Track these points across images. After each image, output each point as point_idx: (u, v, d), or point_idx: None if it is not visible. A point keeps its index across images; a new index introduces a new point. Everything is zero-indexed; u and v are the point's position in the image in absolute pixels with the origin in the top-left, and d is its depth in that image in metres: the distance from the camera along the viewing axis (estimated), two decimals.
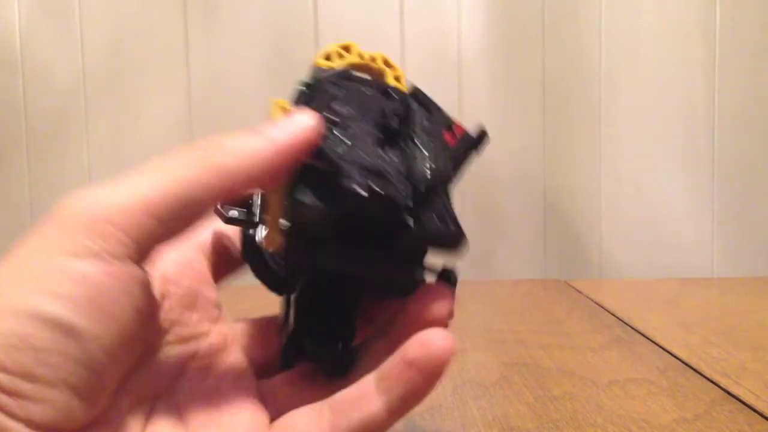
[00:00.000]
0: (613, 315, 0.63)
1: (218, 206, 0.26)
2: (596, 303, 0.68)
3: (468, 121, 0.29)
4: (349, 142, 0.24)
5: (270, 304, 0.31)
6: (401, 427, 0.38)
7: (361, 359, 0.26)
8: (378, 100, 0.26)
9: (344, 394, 0.23)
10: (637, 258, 0.87)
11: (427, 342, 0.23)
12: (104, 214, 0.21)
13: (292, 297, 0.27)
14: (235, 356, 0.27)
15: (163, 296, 0.26)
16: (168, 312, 0.26)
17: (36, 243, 0.21)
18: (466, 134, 0.28)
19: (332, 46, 0.29)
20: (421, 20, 0.85)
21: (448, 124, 0.28)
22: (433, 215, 0.24)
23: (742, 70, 0.86)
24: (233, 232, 0.30)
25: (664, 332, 0.56)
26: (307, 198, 0.23)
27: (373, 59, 0.29)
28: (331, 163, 0.23)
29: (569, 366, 0.48)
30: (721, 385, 0.43)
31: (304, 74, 0.28)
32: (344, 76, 0.27)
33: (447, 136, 0.27)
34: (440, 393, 0.43)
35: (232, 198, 0.25)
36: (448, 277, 0.28)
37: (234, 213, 0.26)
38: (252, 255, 0.28)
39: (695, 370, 0.46)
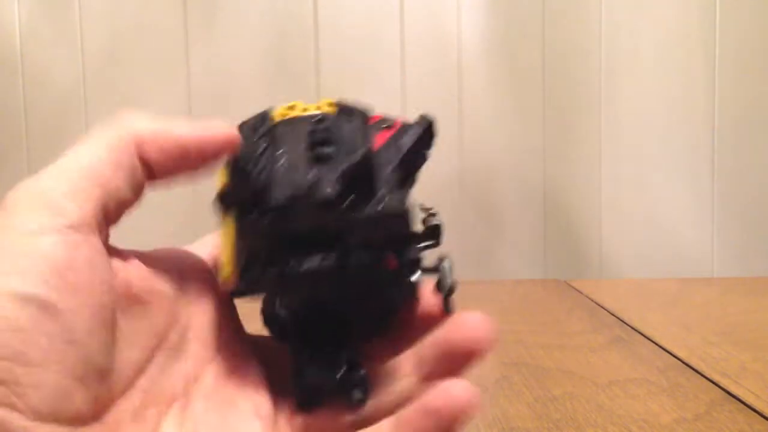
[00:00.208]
0: (613, 315, 0.63)
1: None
2: (596, 303, 0.68)
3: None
4: (273, 169, 0.24)
5: None
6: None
7: (383, 383, 0.25)
8: (306, 127, 0.27)
9: None
10: (637, 258, 0.87)
11: (449, 392, 0.22)
12: (48, 190, 0.21)
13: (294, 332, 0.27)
14: (254, 369, 0.27)
15: (175, 294, 0.25)
16: (183, 310, 0.25)
17: None
18: (404, 123, 0.28)
19: (276, 110, 0.30)
20: (421, 20, 0.85)
21: (385, 125, 0.28)
22: (367, 202, 0.24)
23: (742, 70, 0.86)
24: None
25: (664, 332, 0.56)
26: (246, 229, 0.24)
27: (319, 108, 0.30)
28: (252, 186, 0.24)
29: (569, 366, 0.48)
30: (721, 385, 0.43)
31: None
32: (262, 119, 0.27)
33: (380, 134, 0.27)
34: None
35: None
36: (441, 286, 0.27)
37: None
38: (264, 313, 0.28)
39: (695, 370, 0.46)
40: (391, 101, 0.85)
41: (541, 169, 0.86)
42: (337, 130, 0.26)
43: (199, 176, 0.25)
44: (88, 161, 0.22)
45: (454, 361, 0.24)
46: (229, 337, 0.27)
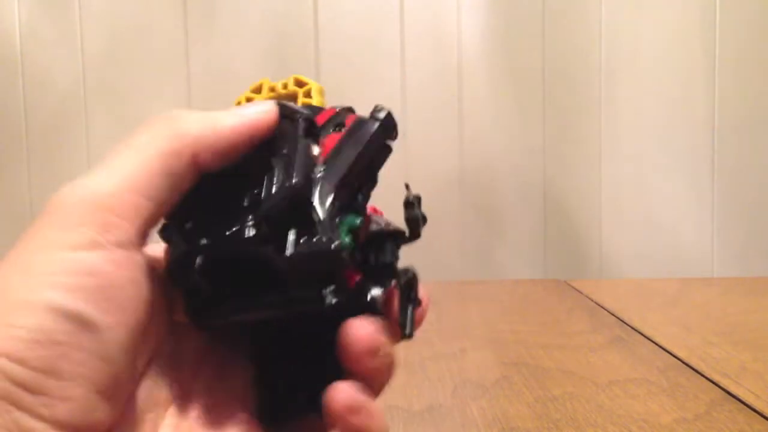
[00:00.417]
0: (613, 315, 0.63)
1: None
2: (596, 303, 0.68)
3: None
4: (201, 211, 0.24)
5: None
6: (402, 427, 0.38)
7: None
8: None
9: None
10: (637, 258, 0.87)
11: (328, 396, 0.23)
12: (100, 202, 0.21)
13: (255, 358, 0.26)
14: (242, 370, 0.27)
15: (172, 301, 0.25)
16: (178, 317, 0.25)
17: (38, 238, 0.21)
18: (357, 120, 0.26)
19: (242, 94, 0.29)
20: (421, 20, 0.85)
21: (335, 125, 0.26)
22: (297, 237, 0.23)
23: (742, 70, 0.86)
24: None
25: (664, 332, 0.56)
26: (180, 264, 0.23)
27: (285, 86, 0.29)
28: (177, 231, 0.23)
29: (569, 366, 0.48)
30: (721, 385, 0.43)
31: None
32: None
33: (329, 138, 0.25)
34: (440, 393, 0.43)
35: None
36: (400, 293, 0.25)
37: None
38: None
39: (695, 370, 0.46)
40: (391, 101, 0.85)
41: (541, 169, 0.86)
42: (282, 140, 0.25)
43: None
44: (140, 171, 0.21)
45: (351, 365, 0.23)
46: (221, 339, 0.27)
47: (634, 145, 0.86)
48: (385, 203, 0.27)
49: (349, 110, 0.26)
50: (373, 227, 0.25)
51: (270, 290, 0.23)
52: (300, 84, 0.29)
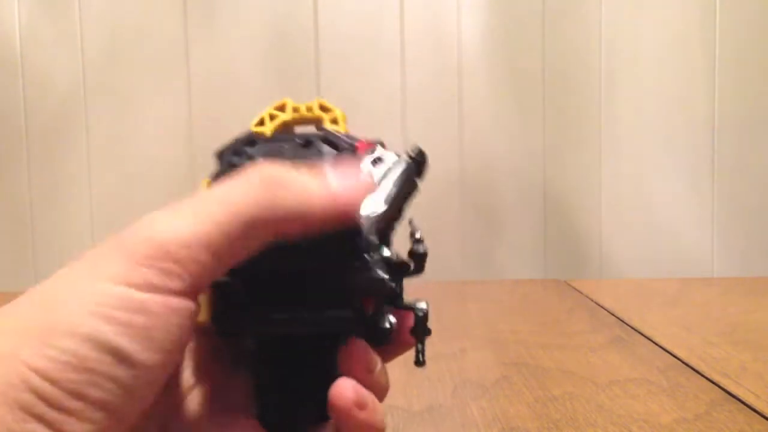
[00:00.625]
0: (613, 315, 0.63)
1: None
2: (596, 303, 0.68)
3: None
4: None
5: None
6: (402, 427, 0.38)
7: None
8: (292, 153, 0.26)
9: None
10: (637, 258, 0.87)
11: (334, 393, 0.23)
12: (166, 247, 0.21)
13: (257, 368, 0.27)
14: (242, 380, 0.27)
15: None
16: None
17: (98, 266, 0.21)
18: (394, 159, 0.28)
19: (265, 110, 0.30)
20: (421, 20, 0.85)
21: (374, 158, 0.27)
22: (349, 261, 0.24)
23: (742, 70, 0.86)
24: None
25: (664, 332, 0.56)
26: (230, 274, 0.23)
27: (309, 109, 0.30)
28: None
29: (569, 366, 0.48)
30: (721, 385, 0.43)
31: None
32: (247, 141, 0.27)
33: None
34: (440, 393, 0.43)
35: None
36: (418, 331, 0.27)
37: None
38: None
39: (695, 370, 0.46)
40: (391, 102, 0.85)
41: (541, 169, 0.86)
42: (322, 163, 0.26)
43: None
44: (219, 230, 0.21)
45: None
46: (221, 345, 0.27)
47: (634, 146, 0.86)
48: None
49: (381, 144, 0.28)
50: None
51: (304, 307, 0.24)
52: (325, 109, 0.30)
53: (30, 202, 0.84)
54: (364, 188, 0.24)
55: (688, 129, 0.86)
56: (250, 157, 0.26)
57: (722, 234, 0.87)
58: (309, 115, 0.30)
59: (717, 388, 0.43)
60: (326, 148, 0.27)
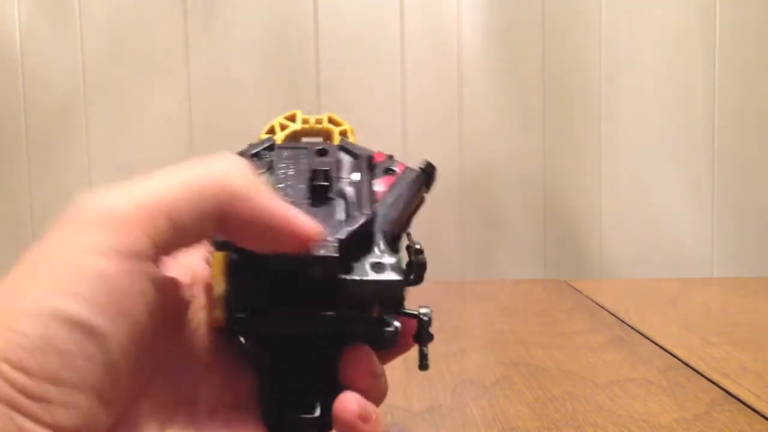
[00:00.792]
0: (613, 315, 0.63)
1: None
2: (596, 303, 0.68)
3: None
4: None
5: None
6: (401, 427, 0.38)
7: None
8: (309, 160, 0.27)
9: None
10: (637, 258, 0.87)
11: (339, 407, 0.24)
12: (122, 211, 0.21)
13: (262, 369, 0.27)
14: (251, 377, 0.27)
15: (190, 303, 0.26)
16: (193, 318, 0.25)
17: (54, 241, 0.21)
18: (406, 170, 0.29)
19: (276, 119, 0.31)
20: (421, 19, 0.85)
21: (385, 167, 0.29)
22: (366, 265, 0.24)
23: (742, 69, 0.86)
24: None
25: (664, 332, 0.56)
26: (239, 274, 0.24)
27: (319, 121, 0.31)
28: None
29: (569, 366, 0.48)
30: (721, 385, 0.43)
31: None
32: (267, 148, 0.28)
33: (384, 180, 0.28)
34: (440, 393, 0.43)
35: None
36: (421, 337, 0.27)
37: None
38: None
39: (695, 370, 0.47)
40: (391, 103, 0.85)
41: (541, 170, 0.86)
42: (340, 170, 0.27)
43: (265, 249, 0.24)
44: (167, 193, 0.22)
45: None
46: (228, 343, 0.27)
47: (634, 146, 0.86)
48: None
49: (392, 157, 0.29)
50: None
51: (313, 309, 0.24)
52: (335, 123, 0.31)
53: (30, 202, 0.84)
54: (317, 230, 0.23)
55: (688, 129, 0.86)
56: (270, 162, 0.27)
57: (722, 234, 0.87)
58: (319, 127, 0.30)
59: (717, 388, 0.43)
60: (344, 156, 0.27)
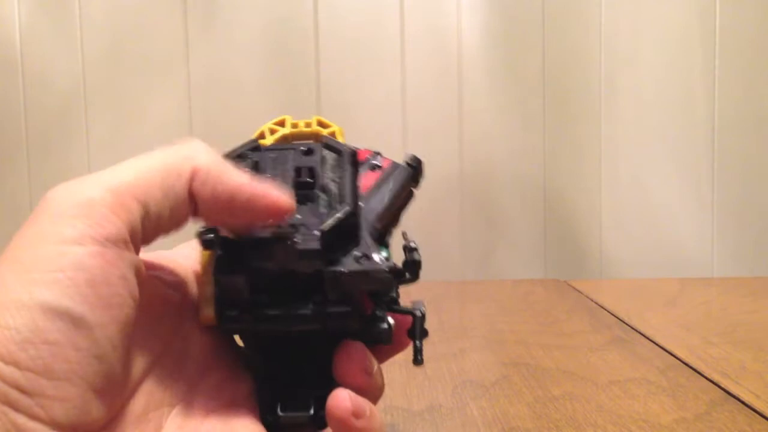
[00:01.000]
0: (613, 315, 0.63)
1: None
2: (596, 303, 0.68)
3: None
4: None
5: None
6: (402, 427, 0.38)
7: None
8: (295, 159, 0.27)
9: None
10: (637, 258, 0.87)
11: (332, 403, 0.24)
12: (93, 197, 0.21)
13: (257, 367, 0.27)
14: (245, 375, 0.27)
15: (183, 301, 0.26)
16: (188, 316, 0.25)
17: (30, 233, 0.21)
18: (392, 165, 0.29)
19: (265, 125, 0.31)
20: (421, 19, 0.85)
21: (371, 164, 0.29)
22: (350, 257, 0.24)
23: (742, 69, 0.86)
24: None
25: (664, 332, 0.56)
26: (225, 271, 0.24)
27: (308, 125, 0.31)
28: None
29: (569, 366, 0.48)
30: (721, 385, 0.43)
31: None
32: (251, 148, 0.28)
33: (368, 175, 0.28)
34: (440, 393, 0.43)
35: None
36: (414, 332, 0.27)
37: None
38: None
39: (695, 370, 0.47)
40: (391, 102, 0.85)
41: (541, 169, 0.86)
42: (324, 167, 0.27)
43: (241, 228, 0.24)
44: (136, 177, 0.22)
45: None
46: (225, 342, 0.27)
47: (634, 146, 0.86)
48: None
49: (379, 153, 0.30)
50: None
51: (305, 305, 0.24)
52: (323, 125, 0.31)
53: (30, 202, 0.84)
54: (286, 198, 0.24)
55: (688, 129, 0.86)
56: (255, 163, 0.27)
57: (722, 234, 0.87)
58: (308, 130, 0.31)
59: (717, 388, 0.43)
60: (328, 153, 0.27)
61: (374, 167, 0.29)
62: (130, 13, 0.84)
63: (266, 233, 0.24)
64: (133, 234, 0.22)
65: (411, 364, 0.27)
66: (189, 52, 0.84)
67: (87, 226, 0.20)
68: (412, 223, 0.29)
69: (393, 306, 0.27)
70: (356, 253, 0.24)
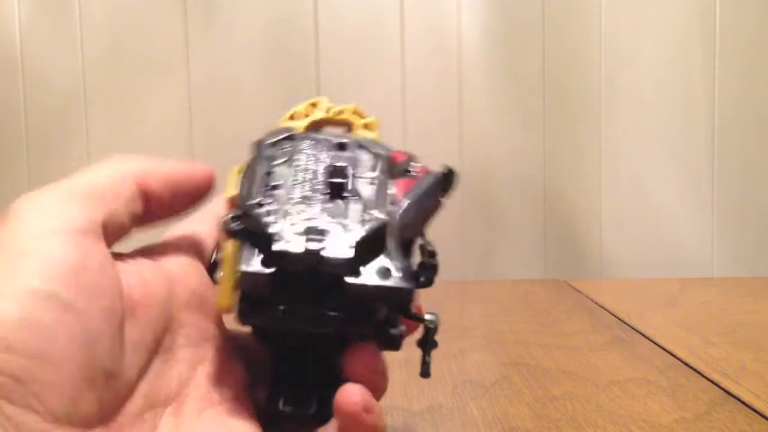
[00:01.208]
0: (613, 315, 0.63)
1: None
2: (596, 303, 0.68)
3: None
4: (285, 207, 0.25)
5: None
6: (401, 427, 0.38)
7: None
8: (327, 156, 0.27)
9: None
10: (637, 258, 0.87)
11: (342, 398, 0.24)
12: (58, 199, 0.22)
13: (270, 355, 0.27)
14: (238, 369, 0.27)
15: (170, 297, 0.26)
16: (176, 313, 0.25)
17: (4, 234, 0.21)
18: (426, 174, 0.28)
19: (300, 105, 0.30)
20: (421, 19, 0.85)
21: (404, 169, 0.28)
22: (374, 270, 0.24)
23: (742, 70, 0.86)
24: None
25: (664, 332, 0.56)
26: (250, 265, 0.24)
27: (341, 112, 0.30)
28: (263, 227, 0.24)
29: (569, 366, 0.48)
30: (721, 385, 0.43)
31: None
32: (287, 138, 0.27)
33: (402, 182, 0.27)
34: (440, 393, 0.43)
35: None
36: (425, 343, 0.27)
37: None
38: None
39: (695, 370, 0.46)
40: (391, 102, 0.85)
41: (541, 169, 0.86)
42: (357, 167, 0.26)
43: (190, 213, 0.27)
44: (89, 184, 0.24)
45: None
46: (217, 336, 0.27)
47: (634, 145, 0.86)
48: None
49: (412, 158, 0.29)
50: None
51: (325, 307, 0.24)
52: (359, 114, 0.30)
53: None
54: (204, 169, 0.27)
55: (688, 129, 0.86)
56: (288, 153, 0.26)
57: (722, 234, 0.87)
58: (340, 118, 0.30)
59: (717, 388, 0.43)
60: (363, 153, 0.27)
61: (408, 173, 0.28)
62: (130, 13, 0.84)
63: (294, 239, 0.24)
64: (101, 227, 0.23)
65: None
66: (189, 52, 0.84)
67: (57, 221, 0.21)
68: (427, 228, 0.29)
69: (407, 312, 0.26)
70: (379, 266, 0.24)
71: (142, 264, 0.25)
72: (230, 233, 0.24)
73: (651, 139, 0.86)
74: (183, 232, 0.29)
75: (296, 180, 0.26)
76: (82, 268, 0.21)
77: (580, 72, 0.86)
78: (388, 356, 0.26)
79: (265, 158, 0.27)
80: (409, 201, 0.27)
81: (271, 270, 0.23)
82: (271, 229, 0.24)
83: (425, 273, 0.26)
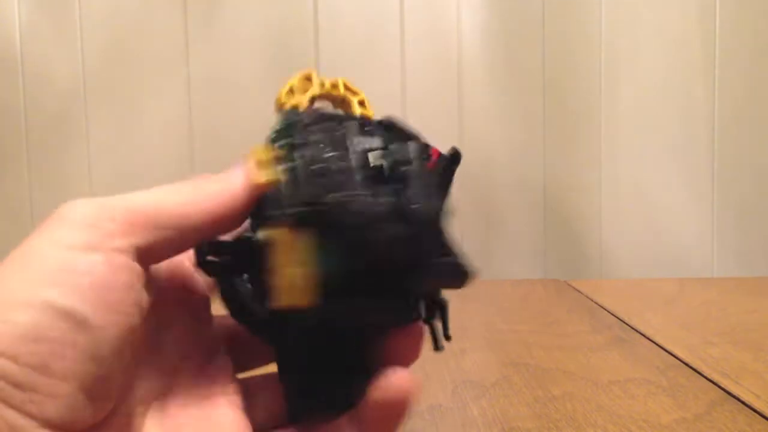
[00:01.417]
0: (613, 315, 0.63)
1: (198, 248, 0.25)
2: (596, 303, 0.68)
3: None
4: (351, 191, 0.23)
5: None
6: (401, 427, 0.38)
7: None
8: (358, 139, 0.26)
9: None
10: (637, 258, 0.87)
11: (387, 385, 0.24)
12: (106, 213, 0.22)
13: (289, 347, 0.26)
14: (224, 361, 0.27)
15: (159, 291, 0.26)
16: (165, 309, 0.25)
17: (40, 239, 0.21)
18: (441, 157, 0.28)
19: (294, 79, 0.30)
20: (421, 20, 0.85)
21: (424, 152, 0.27)
22: (439, 253, 0.24)
23: (742, 69, 0.86)
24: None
25: (664, 332, 0.56)
26: (334, 256, 0.23)
27: (335, 86, 0.30)
28: (349, 215, 0.23)
29: (569, 366, 0.48)
30: (721, 385, 0.43)
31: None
32: (320, 118, 0.26)
33: (427, 165, 0.27)
34: (440, 393, 0.43)
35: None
36: (435, 314, 0.27)
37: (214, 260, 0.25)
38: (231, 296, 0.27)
39: (695, 370, 0.46)
40: (391, 102, 0.85)
41: (541, 169, 0.86)
42: (386, 153, 0.25)
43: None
44: (138, 200, 0.23)
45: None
46: (201, 330, 0.27)
47: (634, 145, 0.86)
48: None
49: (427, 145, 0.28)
50: None
51: (390, 298, 0.24)
52: (350, 90, 0.30)
53: (30, 202, 0.84)
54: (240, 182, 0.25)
55: (688, 129, 0.86)
56: (329, 137, 0.25)
57: (722, 234, 0.87)
58: (336, 92, 0.29)
59: (717, 388, 0.43)
60: (387, 135, 0.27)
61: (426, 157, 0.27)
62: (130, 12, 0.84)
63: (369, 215, 0.23)
64: (140, 250, 0.22)
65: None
66: (189, 52, 0.84)
67: (97, 236, 0.21)
68: None
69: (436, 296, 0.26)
70: (443, 250, 0.25)
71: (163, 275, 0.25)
72: (298, 222, 0.22)
73: (651, 139, 0.86)
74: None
75: (317, 168, 0.24)
76: (108, 286, 0.21)
77: (580, 71, 0.86)
78: None
79: (306, 141, 0.25)
80: (439, 185, 0.27)
81: (350, 261, 0.23)
82: (337, 207, 0.23)
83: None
